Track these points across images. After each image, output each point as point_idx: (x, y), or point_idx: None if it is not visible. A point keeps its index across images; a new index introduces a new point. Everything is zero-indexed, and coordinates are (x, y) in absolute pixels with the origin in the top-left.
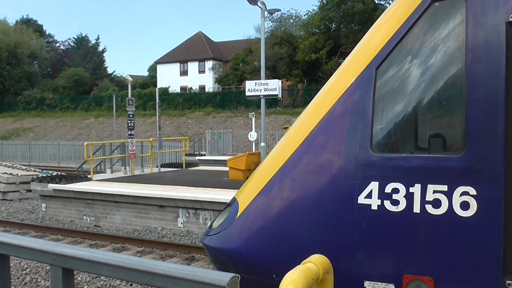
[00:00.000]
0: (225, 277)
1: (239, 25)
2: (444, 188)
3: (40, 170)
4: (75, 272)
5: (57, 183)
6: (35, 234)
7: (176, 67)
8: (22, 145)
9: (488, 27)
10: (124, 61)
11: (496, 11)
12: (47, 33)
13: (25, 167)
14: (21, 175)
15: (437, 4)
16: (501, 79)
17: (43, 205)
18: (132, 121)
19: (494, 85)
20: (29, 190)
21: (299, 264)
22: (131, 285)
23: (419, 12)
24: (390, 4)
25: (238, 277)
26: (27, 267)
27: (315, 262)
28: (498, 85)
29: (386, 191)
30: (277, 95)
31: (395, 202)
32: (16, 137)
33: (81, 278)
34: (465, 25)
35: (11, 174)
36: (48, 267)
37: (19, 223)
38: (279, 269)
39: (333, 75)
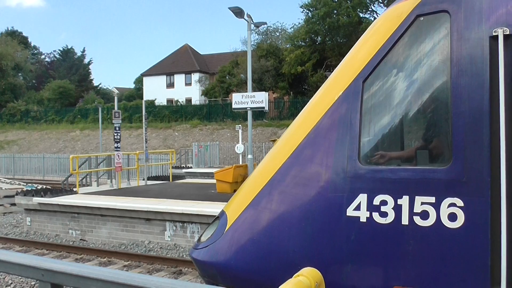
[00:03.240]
0: None
1: (225, 38)
2: (432, 199)
3: (25, 184)
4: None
5: (42, 196)
6: (20, 248)
7: (162, 80)
8: (6, 158)
9: (472, 41)
10: (110, 73)
11: (480, 25)
12: (32, 45)
13: (9, 180)
14: (5, 188)
15: (422, 18)
16: (486, 92)
17: (28, 219)
18: (119, 134)
19: (479, 98)
20: (13, 204)
21: (288, 277)
22: None
23: (404, 26)
24: (374, 18)
25: None
26: (11, 283)
27: (307, 275)
28: (482, 98)
29: (374, 203)
30: (263, 107)
31: (384, 214)
32: (0, 150)
33: None
34: (449, 39)
35: None
36: (33, 283)
37: (3, 238)
38: (268, 283)
39: (320, 88)
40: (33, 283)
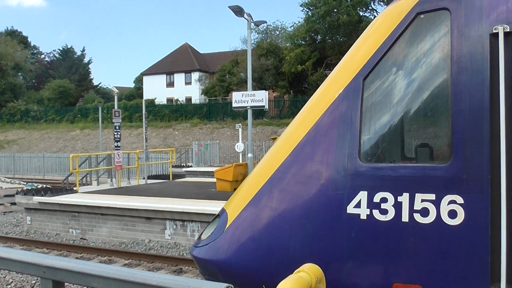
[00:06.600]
0: (218, 287)
1: (225, 36)
2: (432, 197)
3: (25, 183)
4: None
5: (42, 195)
6: (20, 247)
7: (162, 79)
8: (6, 158)
9: (473, 39)
10: (110, 73)
11: (480, 23)
12: (32, 44)
13: (10, 179)
14: (6, 188)
15: (422, 16)
16: (486, 90)
17: (28, 218)
18: (119, 133)
19: (479, 96)
20: (14, 203)
21: (289, 274)
22: None
23: (404, 24)
24: (375, 16)
25: (232, 287)
26: (12, 281)
27: (308, 271)
28: (482, 96)
29: (374, 200)
30: (264, 106)
31: (384, 211)
32: (0, 149)
33: None
34: (450, 37)
35: None
36: (34, 281)
37: (3, 237)
38: (269, 280)
39: (320, 86)
40: (33, 281)
